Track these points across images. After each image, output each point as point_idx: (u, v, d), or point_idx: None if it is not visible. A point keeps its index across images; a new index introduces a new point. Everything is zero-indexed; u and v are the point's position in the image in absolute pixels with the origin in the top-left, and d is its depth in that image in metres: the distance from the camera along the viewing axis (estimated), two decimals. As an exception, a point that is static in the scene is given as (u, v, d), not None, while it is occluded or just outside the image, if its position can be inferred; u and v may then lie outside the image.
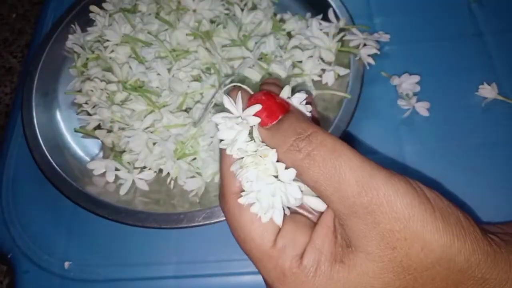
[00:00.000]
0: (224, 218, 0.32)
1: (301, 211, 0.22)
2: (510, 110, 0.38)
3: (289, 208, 0.21)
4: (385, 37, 0.40)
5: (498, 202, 0.34)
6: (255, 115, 0.20)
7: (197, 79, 0.38)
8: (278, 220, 0.20)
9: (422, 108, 0.38)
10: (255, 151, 0.20)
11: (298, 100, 0.22)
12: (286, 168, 0.19)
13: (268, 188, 0.19)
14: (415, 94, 0.39)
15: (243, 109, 0.21)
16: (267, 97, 0.21)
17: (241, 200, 0.20)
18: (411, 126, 0.38)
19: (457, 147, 0.37)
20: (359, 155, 0.19)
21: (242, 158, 0.20)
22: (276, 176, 0.19)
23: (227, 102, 0.21)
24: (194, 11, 0.41)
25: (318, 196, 0.20)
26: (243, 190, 0.20)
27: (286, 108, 0.21)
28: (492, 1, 0.43)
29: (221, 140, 0.21)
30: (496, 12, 0.43)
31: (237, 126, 0.20)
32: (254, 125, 0.21)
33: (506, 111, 0.38)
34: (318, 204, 0.20)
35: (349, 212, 0.18)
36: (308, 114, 0.22)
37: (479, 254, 0.18)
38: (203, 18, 0.41)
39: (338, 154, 0.18)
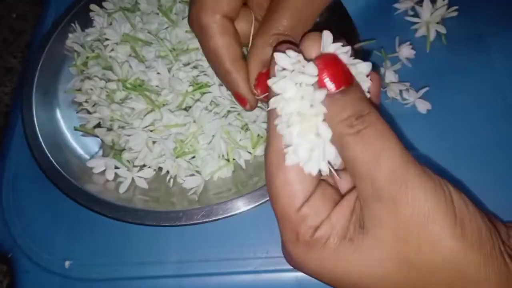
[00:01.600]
0: (222, 216, 0.32)
1: (332, 182, 0.23)
2: (510, 110, 0.38)
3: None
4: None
5: (498, 202, 0.34)
6: (319, 79, 0.20)
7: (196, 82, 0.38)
8: (314, 171, 0.20)
9: (422, 105, 0.38)
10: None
11: (363, 70, 0.22)
12: (332, 137, 0.20)
13: (308, 143, 0.20)
14: (416, 89, 0.39)
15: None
16: (336, 63, 0.20)
17: (286, 157, 0.20)
18: (410, 126, 0.38)
19: (457, 147, 0.37)
20: (401, 145, 0.19)
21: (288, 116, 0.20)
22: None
23: (286, 56, 0.21)
24: None
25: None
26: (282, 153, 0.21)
27: (350, 81, 0.20)
28: (493, 2, 0.43)
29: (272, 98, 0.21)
30: (496, 12, 0.43)
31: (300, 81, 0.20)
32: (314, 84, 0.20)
33: (506, 111, 0.38)
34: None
35: (375, 195, 0.19)
36: (367, 90, 0.22)
37: (490, 269, 0.18)
38: None
39: (385, 139, 0.19)
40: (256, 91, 0.27)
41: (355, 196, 0.21)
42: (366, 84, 0.22)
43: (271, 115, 0.22)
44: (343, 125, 0.19)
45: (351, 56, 0.21)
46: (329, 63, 0.20)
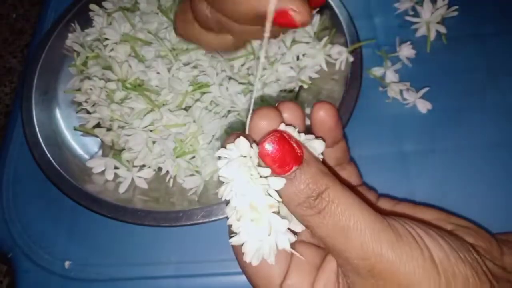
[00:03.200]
0: (222, 216, 0.32)
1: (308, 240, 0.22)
2: (511, 110, 0.38)
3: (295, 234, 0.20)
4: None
5: (498, 202, 0.34)
6: (265, 162, 0.19)
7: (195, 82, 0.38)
8: (271, 259, 0.19)
9: (423, 105, 0.38)
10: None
11: (317, 148, 0.21)
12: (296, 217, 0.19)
13: (256, 239, 0.19)
14: (417, 89, 0.39)
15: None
16: (281, 144, 0.19)
17: (232, 240, 0.19)
18: (411, 125, 0.38)
19: (457, 147, 0.37)
20: (370, 215, 0.18)
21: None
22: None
23: (228, 150, 0.19)
24: None
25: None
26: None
27: (300, 158, 0.19)
28: (493, 2, 0.43)
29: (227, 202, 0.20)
30: (496, 12, 0.43)
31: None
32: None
33: (506, 111, 0.38)
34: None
35: (353, 270, 0.18)
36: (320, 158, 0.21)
37: None
38: None
39: (348, 215, 0.18)
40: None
41: (335, 262, 0.20)
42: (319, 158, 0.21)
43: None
44: (302, 207, 0.18)
45: (300, 132, 0.20)
46: (274, 146, 0.19)
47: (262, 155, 0.19)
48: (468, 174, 0.36)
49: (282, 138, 0.19)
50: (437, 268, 0.18)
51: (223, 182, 0.19)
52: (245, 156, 0.19)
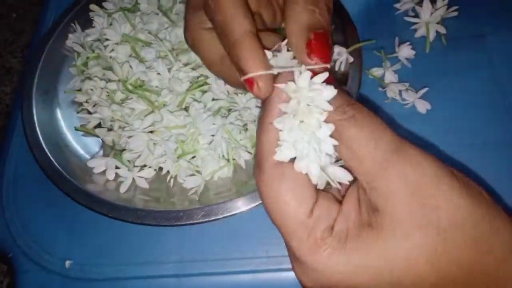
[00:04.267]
0: (222, 216, 0.32)
1: (331, 189, 0.23)
2: (511, 109, 0.38)
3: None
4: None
5: (498, 202, 0.34)
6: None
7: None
8: (315, 171, 0.20)
9: (422, 105, 0.38)
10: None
11: (328, 97, 0.22)
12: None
13: (304, 139, 0.20)
14: (416, 90, 0.39)
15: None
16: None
17: (278, 151, 0.20)
18: (410, 126, 0.38)
19: (456, 147, 0.37)
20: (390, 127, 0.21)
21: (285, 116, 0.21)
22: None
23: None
24: None
25: (345, 168, 0.21)
26: (281, 163, 0.21)
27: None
28: (493, 2, 0.44)
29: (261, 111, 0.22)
30: (496, 12, 0.43)
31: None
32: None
33: (506, 111, 0.38)
34: (345, 176, 0.21)
35: (379, 170, 0.19)
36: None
37: (499, 222, 0.19)
38: None
39: (376, 120, 0.20)
40: (312, 60, 0.22)
41: (356, 187, 0.21)
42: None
43: (262, 124, 0.21)
44: (337, 112, 0.20)
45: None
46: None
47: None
48: (468, 174, 0.35)
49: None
50: (456, 176, 0.20)
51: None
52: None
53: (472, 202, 0.19)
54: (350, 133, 0.20)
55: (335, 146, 0.20)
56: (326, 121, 0.20)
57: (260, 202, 0.32)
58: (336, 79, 0.24)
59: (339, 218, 0.20)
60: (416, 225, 0.18)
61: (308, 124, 0.20)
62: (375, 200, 0.19)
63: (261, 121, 0.22)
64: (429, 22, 0.42)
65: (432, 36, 0.42)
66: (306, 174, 0.20)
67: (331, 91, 0.20)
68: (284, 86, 0.21)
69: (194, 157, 0.36)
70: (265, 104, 0.22)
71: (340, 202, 0.22)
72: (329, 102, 0.20)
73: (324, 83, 0.20)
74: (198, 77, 0.38)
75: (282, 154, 0.20)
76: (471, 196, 0.19)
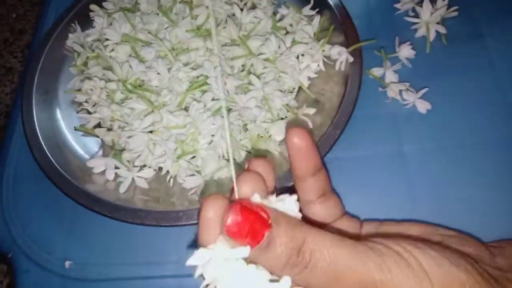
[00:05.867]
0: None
1: None
2: (511, 109, 0.38)
3: None
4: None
5: (498, 202, 0.34)
6: (237, 241, 0.18)
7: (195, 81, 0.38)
8: None
9: (422, 105, 0.38)
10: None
11: (292, 205, 0.20)
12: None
13: None
14: (416, 89, 0.39)
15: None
16: (245, 215, 0.18)
17: None
18: (410, 126, 0.38)
19: (457, 147, 0.37)
20: (350, 245, 0.19)
21: None
22: None
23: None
24: (207, 7, 0.41)
25: None
26: None
27: (267, 222, 0.18)
28: (493, 2, 0.43)
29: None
30: (496, 12, 0.43)
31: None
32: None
33: (506, 111, 0.38)
34: None
35: None
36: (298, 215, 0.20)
37: None
38: (219, 14, 0.41)
39: (332, 260, 0.18)
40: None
41: None
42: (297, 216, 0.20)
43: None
44: (288, 269, 0.18)
45: (273, 194, 0.20)
46: (238, 221, 0.18)
47: (230, 234, 0.18)
48: (468, 174, 0.36)
49: (244, 209, 0.18)
50: (428, 276, 0.18)
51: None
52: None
53: None
54: (314, 282, 0.18)
55: None
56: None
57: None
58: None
59: None
60: None
61: None
62: None
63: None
64: (429, 22, 0.42)
65: (432, 36, 0.42)
66: None
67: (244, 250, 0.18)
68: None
69: (194, 157, 0.36)
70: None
71: None
72: (275, 262, 0.18)
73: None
74: (198, 77, 0.38)
75: None
76: None
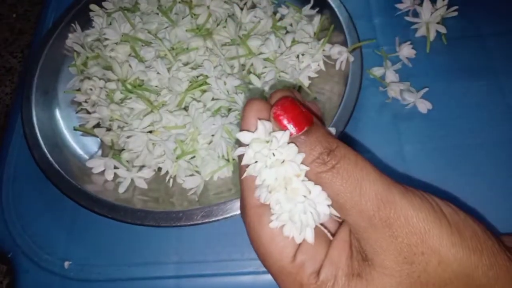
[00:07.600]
0: (222, 216, 0.32)
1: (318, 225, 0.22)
2: (510, 110, 0.38)
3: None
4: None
5: (498, 202, 0.34)
6: (281, 125, 0.20)
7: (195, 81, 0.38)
8: (311, 239, 0.20)
9: (423, 105, 0.38)
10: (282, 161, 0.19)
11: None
12: (310, 180, 0.19)
13: (299, 207, 0.19)
14: (417, 89, 0.39)
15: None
16: (293, 106, 0.20)
17: (272, 224, 0.20)
18: (411, 125, 0.38)
19: (457, 147, 0.37)
20: (377, 169, 0.19)
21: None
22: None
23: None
24: (208, 7, 0.41)
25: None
26: (263, 204, 0.20)
27: (311, 120, 0.20)
28: (493, 2, 0.43)
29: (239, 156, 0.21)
30: (496, 12, 0.43)
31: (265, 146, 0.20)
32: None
33: (506, 111, 0.38)
34: (325, 214, 0.20)
35: (368, 225, 0.18)
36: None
37: (497, 269, 0.18)
38: (219, 14, 0.41)
39: (360, 168, 0.19)
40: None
41: (347, 230, 0.20)
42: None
43: (242, 168, 0.21)
44: (317, 164, 0.19)
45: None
46: (287, 108, 0.20)
47: (276, 117, 0.20)
48: (468, 174, 0.36)
49: (294, 101, 0.20)
50: (447, 218, 0.18)
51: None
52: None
53: (463, 252, 0.18)
54: (334, 187, 0.19)
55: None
56: (307, 177, 0.19)
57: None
58: (318, 116, 0.23)
59: (326, 263, 0.20)
60: (405, 282, 0.18)
61: (294, 191, 0.19)
62: (366, 250, 0.19)
63: (240, 170, 0.21)
64: (429, 22, 0.42)
65: (432, 35, 0.42)
66: None
67: (295, 153, 0.19)
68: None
69: (193, 157, 0.36)
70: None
71: (328, 239, 0.21)
72: (307, 154, 0.19)
73: (288, 143, 0.20)
74: (197, 77, 0.38)
75: (278, 223, 0.20)
76: (463, 244, 0.18)
